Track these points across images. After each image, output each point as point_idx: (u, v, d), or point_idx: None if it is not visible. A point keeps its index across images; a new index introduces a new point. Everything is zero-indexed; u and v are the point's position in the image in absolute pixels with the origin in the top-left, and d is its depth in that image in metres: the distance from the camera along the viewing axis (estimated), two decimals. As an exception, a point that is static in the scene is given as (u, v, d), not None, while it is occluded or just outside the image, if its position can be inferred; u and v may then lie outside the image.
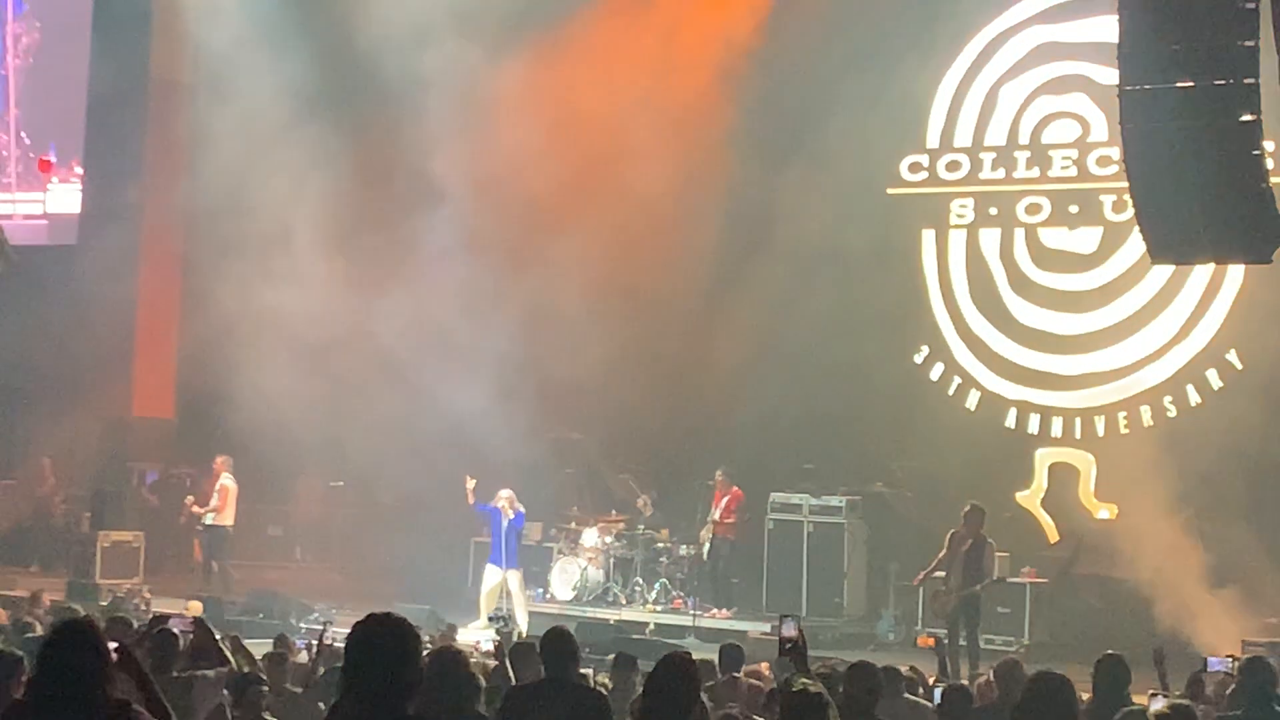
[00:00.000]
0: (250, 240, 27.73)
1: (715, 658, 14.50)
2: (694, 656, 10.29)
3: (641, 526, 26.73)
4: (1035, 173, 27.10)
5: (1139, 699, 11.56)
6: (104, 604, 23.44)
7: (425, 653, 10.15)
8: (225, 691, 11.40)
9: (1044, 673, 9.14)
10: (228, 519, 27.00)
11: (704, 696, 11.03)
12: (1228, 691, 11.83)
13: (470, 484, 24.41)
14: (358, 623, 6.24)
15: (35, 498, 30.75)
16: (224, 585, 26.36)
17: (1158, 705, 10.07)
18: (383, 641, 6.14)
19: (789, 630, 10.35)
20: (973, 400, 27.26)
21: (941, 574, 21.87)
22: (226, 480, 27.03)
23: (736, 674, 13.67)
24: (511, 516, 24.32)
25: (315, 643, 14.60)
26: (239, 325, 27.31)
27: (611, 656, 13.71)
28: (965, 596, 21.19)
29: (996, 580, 21.75)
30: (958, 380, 27.38)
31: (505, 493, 24.41)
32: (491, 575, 24.38)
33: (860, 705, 9.87)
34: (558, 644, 10.36)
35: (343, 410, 27.04)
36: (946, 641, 21.34)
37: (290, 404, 25.99)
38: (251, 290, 27.62)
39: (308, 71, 28.10)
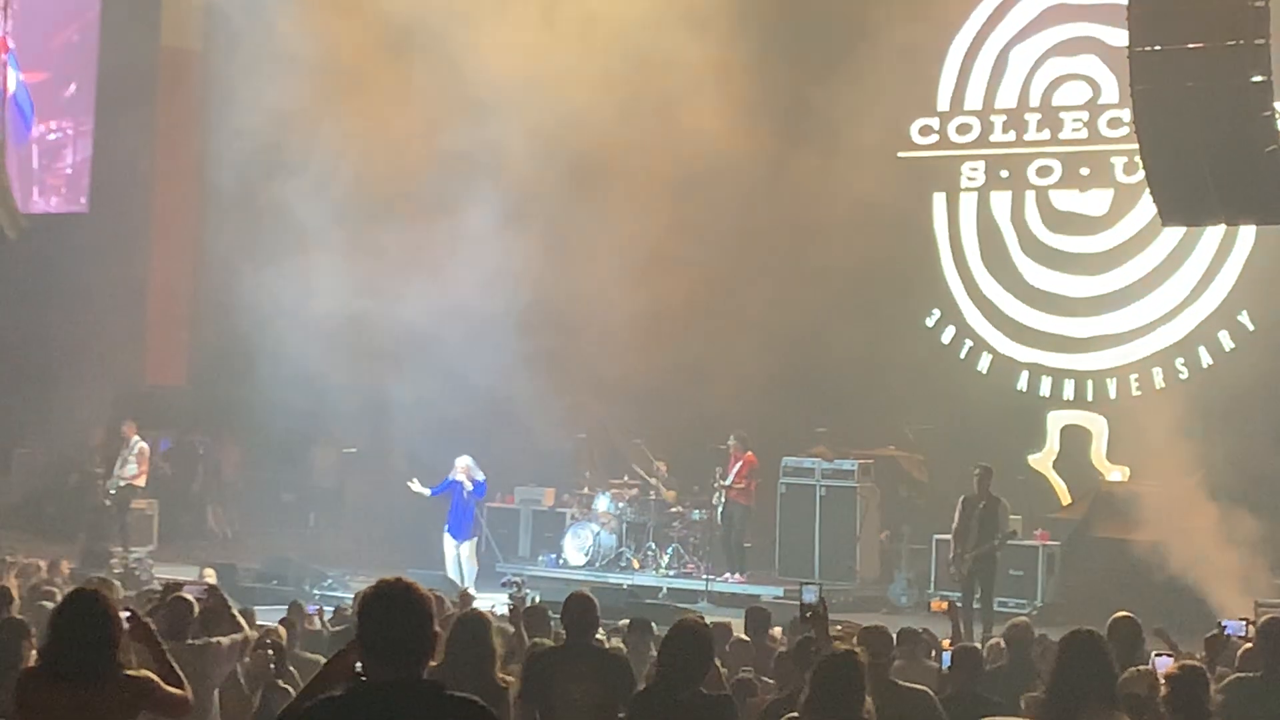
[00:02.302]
0: (265, 207, 27.73)
1: (729, 621, 14.56)
2: (708, 620, 10.36)
3: (654, 492, 26.74)
4: (1046, 135, 27.07)
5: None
6: (117, 572, 23.53)
7: (453, 616, 10.26)
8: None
9: (1079, 631, 9.17)
10: (141, 480, 27.08)
11: (717, 660, 11.10)
12: (1239, 652, 11.83)
13: (414, 486, 24.43)
14: (371, 588, 6.25)
15: (83, 469, 30.62)
16: (123, 539, 26.44)
17: (1167, 665, 10.09)
18: (396, 606, 6.16)
19: (809, 597, 10.45)
20: (984, 363, 27.28)
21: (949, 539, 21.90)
22: (143, 444, 27.09)
23: (763, 636, 13.73)
24: (470, 487, 24.22)
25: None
26: (252, 292, 27.31)
27: (625, 621, 13.76)
28: (979, 555, 21.21)
29: (1010, 534, 21.73)
30: (969, 343, 27.39)
31: (461, 461, 24.29)
32: (448, 545, 24.39)
33: (873, 669, 9.91)
34: (581, 609, 10.40)
35: (357, 377, 27.05)
36: (960, 604, 21.41)
37: (304, 370, 26.01)
38: (265, 257, 27.62)
39: (323, 34, 28.06)
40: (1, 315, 30.17)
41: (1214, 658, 11.87)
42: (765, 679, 11.92)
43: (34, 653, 8.76)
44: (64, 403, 29.71)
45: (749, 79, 27.51)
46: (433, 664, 6.26)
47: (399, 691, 6.05)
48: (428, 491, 24.49)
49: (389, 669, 6.07)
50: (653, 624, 12.98)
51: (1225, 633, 12.28)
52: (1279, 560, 22.20)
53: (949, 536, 22.27)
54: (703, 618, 10.29)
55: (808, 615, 10.52)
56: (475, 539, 24.63)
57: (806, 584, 11.17)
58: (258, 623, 13.45)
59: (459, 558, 24.31)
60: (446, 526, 24.49)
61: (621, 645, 12.50)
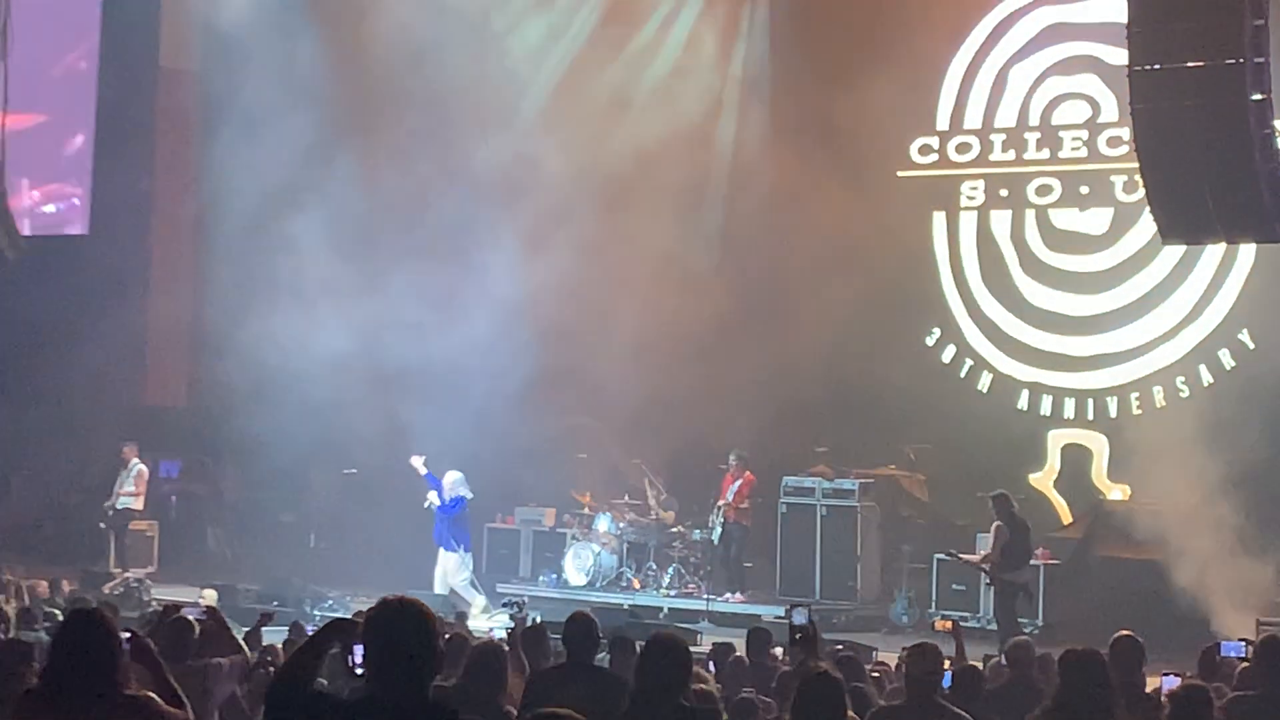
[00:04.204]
0: (265, 228, 27.76)
1: (731, 641, 14.53)
2: (713, 640, 10.35)
3: (655, 511, 26.72)
4: (1045, 154, 27.06)
5: (1152, 679, 11.58)
6: (117, 593, 23.54)
7: (471, 644, 10.31)
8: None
9: (1077, 650, 9.19)
10: (139, 503, 27.12)
11: (711, 678, 11.09)
12: (1236, 671, 11.82)
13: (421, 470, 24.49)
14: (375, 607, 6.25)
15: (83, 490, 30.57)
16: (122, 561, 26.49)
17: (1172, 684, 10.09)
18: (402, 625, 6.17)
19: (800, 619, 10.51)
20: (985, 382, 27.25)
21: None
22: (141, 466, 27.13)
23: (765, 656, 13.71)
24: (437, 504, 24.37)
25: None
26: (252, 313, 27.32)
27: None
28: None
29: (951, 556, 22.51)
30: (970, 362, 27.37)
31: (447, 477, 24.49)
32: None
33: (921, 687, 9.91)
34: (582, 629, 10.38)
35: (358, 397, 27.05)
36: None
37: (305, 391, 26.01)
38: (265, 277, 27.65)
39: (322, 55, 28.14)
40: (0, 335, 30.16)
41: (1209, 675, 11.86)
42: (765, 698, 11.89)
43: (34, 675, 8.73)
44: (63, 423, 29.72)
45: (747, 97, 27.61)
46: (448, 684, 6.30)
47: (409, 710, 6.05)
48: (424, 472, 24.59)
49: (394, 687, 6.07)
50: (636, 642, 12.91)
51: (1221, 654, 12.29)
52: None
53: (944, 556, 22.62)
54: (675, 630, 10.29)
55: (798, 638, 10.57)
56: (455, 553, 24.54)
57: (796, 606, 11.22)
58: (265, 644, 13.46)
59: (444, 570, 24.44)
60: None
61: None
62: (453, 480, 24.35)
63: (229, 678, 11.10)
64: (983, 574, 22.10)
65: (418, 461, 24.43)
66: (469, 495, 24.51)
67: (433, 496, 24.39)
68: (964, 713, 10.10)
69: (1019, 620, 21.44)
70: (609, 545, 26.64)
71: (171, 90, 31.88)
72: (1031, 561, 23.76)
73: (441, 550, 24.54)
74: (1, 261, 26.35)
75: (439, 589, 24.15)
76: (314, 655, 6.52)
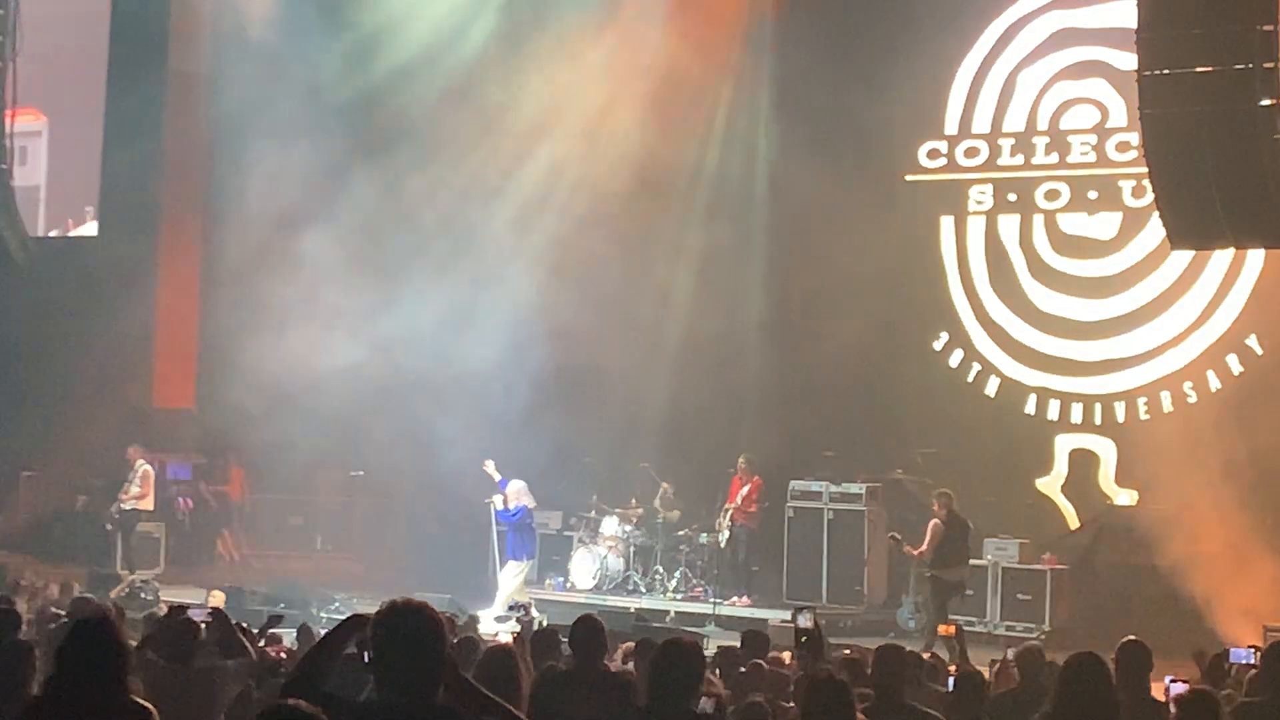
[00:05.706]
0: (275, 231, 27.77)
1: (735, 645, 14.50)
2: (719, 644, 10.34)
3: (661, 515, 26.71)
4: (1054, 159, 27.03)
5: (1157, 685, 11.56)
6: (123, 595, 23.57)
7: (485, 648, 10.27)
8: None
9: (1080, 654, 9.18)
10: (148, 504, 27.14)
11: (719, 683, 11.08)
12: (1246, 677, 11.80)
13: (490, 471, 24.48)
14: (382, 610, 6.20)
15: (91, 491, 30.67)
16: (129, 562, 26.55)
17: (1179, 690, 10.06)
18: (410, 628, 6.12)
19: (804, 622, 10.54)
20: (992, 386, 27.22)
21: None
22: (147, 466, 27.17)
23: (761, 660, 13.69)
24: (499, 508, 24.44)
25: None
26: (260, 315, 27.34)
27: (631, 644, 13.71)
28: None
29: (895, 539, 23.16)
30: (977, 367, 27.33)
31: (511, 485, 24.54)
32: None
33: (887, 689, 9.87)
34: (588, 632, 10.36)
35: (364, 400, 27.07)
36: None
37: (313, 394, 26.02)
38: (273, 279, 27.65)
39: (332, 58, 28.16)
40: (9, 338, 30.18)
41: (1217, 681, 11.83)
42: (783, 703, 11.86)
43: (38, 677, 8.71)
44: (71, 425, 29.73)
45: (756, 102, 27.61)
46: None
47: (418, 714, 6.01)
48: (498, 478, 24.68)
49: (401, 692, 6.03)
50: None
51: (1230, 660, 12.26)
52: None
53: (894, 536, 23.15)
54: (692, 638, 10.27)
55: (804, 641, 10.58)
56: (513, 561, 24.49)
57: (801, 610, 11.23)
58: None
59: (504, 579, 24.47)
60: None
61: (629, 667, 12.45)
62: (517, 489, 24.33)
63: (235, 679, 11.10)
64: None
65: (490, 466, 24.41)
66: (532, 504, 24.52)
67: (496, 500, 24.35)
68: (932, 711, 10.08)
69: (950, 617, 21.75)
70: (615, 549, 26.64)
71: (181, 92, 31.86)
72: (1037, 566, 23.83)
73: (509, 561, 24.48)
74: (10, 263, 26.37)
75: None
76: (329, 655, 6.48)
